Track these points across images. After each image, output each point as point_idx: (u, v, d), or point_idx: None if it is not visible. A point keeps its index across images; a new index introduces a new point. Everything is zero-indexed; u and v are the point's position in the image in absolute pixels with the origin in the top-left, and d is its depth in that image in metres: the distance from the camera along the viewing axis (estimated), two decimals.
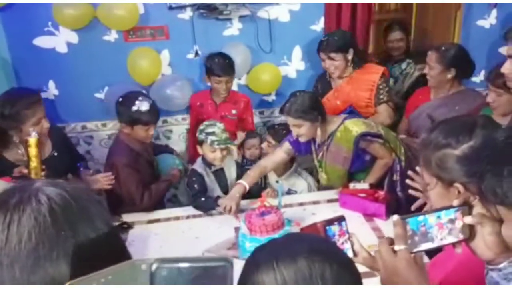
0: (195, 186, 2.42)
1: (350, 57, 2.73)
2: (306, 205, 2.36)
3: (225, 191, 2.50)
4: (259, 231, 1.96)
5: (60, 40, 3.03)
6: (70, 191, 0.66)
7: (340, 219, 1.20)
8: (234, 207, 2.24)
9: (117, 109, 2.34)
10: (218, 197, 2.38)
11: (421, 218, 0.92)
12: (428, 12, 3.71)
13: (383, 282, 0.94)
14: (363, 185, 2.30)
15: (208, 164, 2.47)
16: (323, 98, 2.77)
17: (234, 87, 3.23)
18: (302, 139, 2.37)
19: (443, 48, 2.59)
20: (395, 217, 0.92)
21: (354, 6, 3.06)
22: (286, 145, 2.52)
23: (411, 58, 3.32)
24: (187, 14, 3.05)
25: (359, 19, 3.09)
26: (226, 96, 2.96)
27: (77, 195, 0.66)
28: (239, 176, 2.57)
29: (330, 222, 1.19)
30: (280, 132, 2.76)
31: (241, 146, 2.94)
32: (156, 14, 3.03)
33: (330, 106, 2.68)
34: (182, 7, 3.01)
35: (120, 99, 2.34)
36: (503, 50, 1.61)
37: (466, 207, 0.92)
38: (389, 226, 2.03)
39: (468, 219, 0.90)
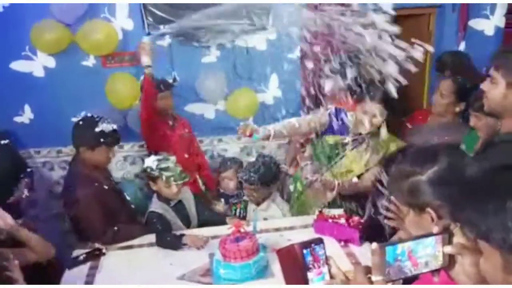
0: (158, 226, 2.31)
1: None
2: (282, 230, 2.36)
3: (187, 224, 2.45)
4: (233, 257, 1.94)
5: (37, 64, 3.04)
6: None
7: (318, 242, 1.19)
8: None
9: (76, 132, 2.26)
10: (183, 234, 2.26)
11: (399, 250, 0.91)
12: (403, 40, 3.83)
13: None
14: (338, 211, 2.32)
15: (165, 200, 2.39)
16: None
17: (212, 113, 3.27)
18: (366, 129, 2.26)
19: (460, 79, 2.54)
20: (374, 245, 0.90)
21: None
22: (324, 117, 2.38)
23: None
24: (165, 41, 3.10)
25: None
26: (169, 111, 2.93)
27: None
28: (198, 207, 2.53)
29: (307, 244, 1.19)
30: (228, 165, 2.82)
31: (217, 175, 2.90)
32: (135, 40, 3.06)
33: None
34: (161, 34, 3.06)
35: (80, 122, 2.28)
36: (484, 86, 1.65)
37: (446, 235, 0.91)
38: (363, 251, 2.06)
39: (448, 249, 0.89)
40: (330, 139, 2.39)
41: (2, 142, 2.50)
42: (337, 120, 2.38)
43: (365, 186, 2.29)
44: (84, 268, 2.09)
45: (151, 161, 2.34)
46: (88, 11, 2.94)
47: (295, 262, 1.25)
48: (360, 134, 2.32)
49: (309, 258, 1.18)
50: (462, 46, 3.41)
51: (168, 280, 1.96)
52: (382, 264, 0.89)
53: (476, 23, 3.36)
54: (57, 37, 2.88)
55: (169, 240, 2.23)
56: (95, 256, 2.17)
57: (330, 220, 2.25)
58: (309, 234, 2.24)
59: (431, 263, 0.92)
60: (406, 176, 1.09)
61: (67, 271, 2.07)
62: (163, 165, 2.31)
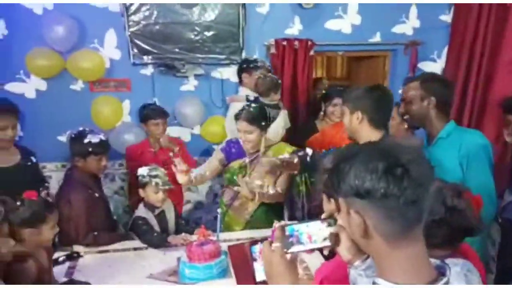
0: (144, 227, 2.55)
1: None
2: (243, 241, 2.62)
3: (164, 232, 2.65)
4: (198, 258, 2.20)
5: (29, 87, 3.34)
6: None
7: (263, 240, 1.49)
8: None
9: (70, 144, 2.56)
10: (168, 234, 2.55)
11: (296, 226, 1.20)
12: (363, 80, 4.27)
13: (266, 274, 1.21)
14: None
15: (150, 207, 2.64)
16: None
17: (188, 136, 3.58)
18: (248, 146, 2.61)
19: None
20: (277, 223, 1.22)
21: (294, 73, 3.56)
22: (219, 154, 2.76)
23: None
24: (148, 71, 3.44)
25: (300, 84, 3.57)
26: (162, 137, 3.19)
27: None
28: (177, 218, 2.80)
29: (254, 242, 1.48)
30: None
31: None
32: (121, 68, 3.40)
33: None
34: (144, 64, 3.41)
35: (73, 135, 2.58)
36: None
37: (332, 220, 1.22)
38: (313, 258, 2.35)
39: (332, 229, 1.20)
40: (235, 164, 2.74)
41: (33, 159, 2.72)
42: (232, 149, 2.75)
43: (280, 193, 2.67)
44: (63, 268, 2.33)
45: (143, 170, 2.63)
46: (79, 41, 3.28)
47: (244, 256, 1.53)
48: (256, 152, 2.66)
49: (256, 251, 1.48)
50: None
51: (139, 278, 2.20)
52: (281, 236, 1.18)
53: (425, 65, 3.80)
54: (50, 63, 3.19)
55: (156, 237, 2.51)
56: (73, 258, 2.41)
57: None
58: None
59: (322, 240, 1.20)
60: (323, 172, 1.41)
61: None
62: (153, 173, 2.60)
